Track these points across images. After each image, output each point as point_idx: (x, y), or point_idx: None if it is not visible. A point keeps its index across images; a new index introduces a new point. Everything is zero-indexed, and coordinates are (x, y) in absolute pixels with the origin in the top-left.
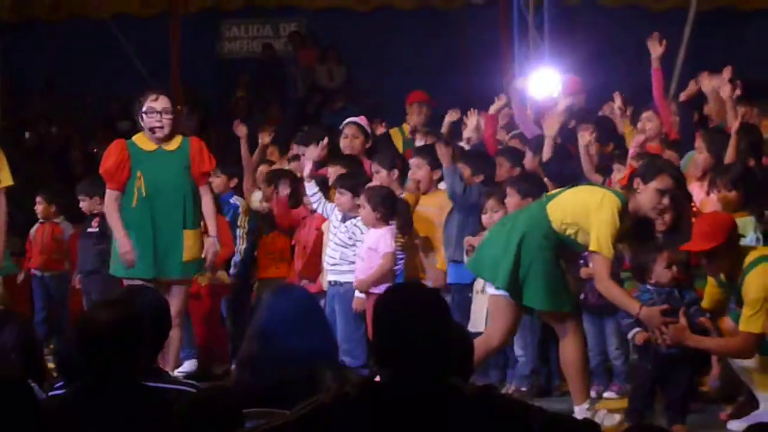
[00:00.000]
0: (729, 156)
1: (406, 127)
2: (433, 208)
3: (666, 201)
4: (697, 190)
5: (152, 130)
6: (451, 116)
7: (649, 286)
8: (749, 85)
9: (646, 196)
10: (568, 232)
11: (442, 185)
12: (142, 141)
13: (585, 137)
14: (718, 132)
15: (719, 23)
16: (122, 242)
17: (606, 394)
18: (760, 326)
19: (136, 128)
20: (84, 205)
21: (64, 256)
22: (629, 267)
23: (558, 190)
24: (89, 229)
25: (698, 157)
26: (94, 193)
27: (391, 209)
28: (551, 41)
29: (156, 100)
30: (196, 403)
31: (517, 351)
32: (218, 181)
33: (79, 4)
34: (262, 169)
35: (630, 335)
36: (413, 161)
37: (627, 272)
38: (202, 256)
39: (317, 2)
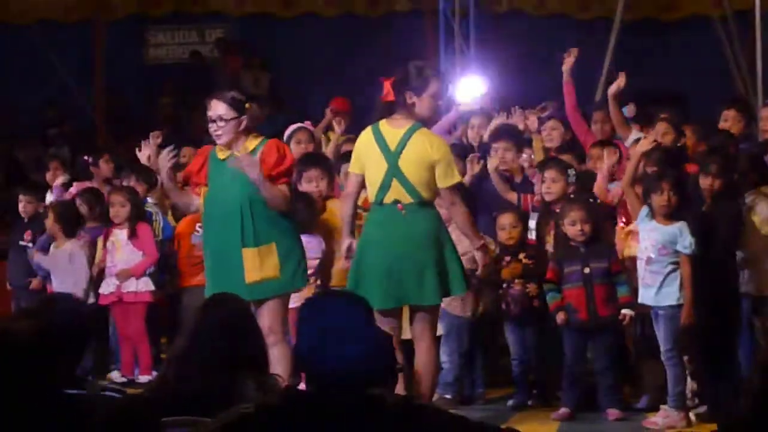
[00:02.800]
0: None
1: (332, 135)
2: None
3: (441, 102)
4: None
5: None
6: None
7: None
8: (671, 93)
9: (424, 105)
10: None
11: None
12: (220, 148)
13: (493, 161)
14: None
15: (643, 33)
16: None
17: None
18: None
19: (63, 136)
20: (28, 207)
21: None
22: (552, 278)
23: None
24: (21, 242)
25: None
26: (38, 197)
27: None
28: (477, 49)
29: (210, 107)
30: (114, 413)
31: (443, 357)
32: (139, 188)
33: (3, 11)
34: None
35: None
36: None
37: (550, 283)
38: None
39: (242, 9)
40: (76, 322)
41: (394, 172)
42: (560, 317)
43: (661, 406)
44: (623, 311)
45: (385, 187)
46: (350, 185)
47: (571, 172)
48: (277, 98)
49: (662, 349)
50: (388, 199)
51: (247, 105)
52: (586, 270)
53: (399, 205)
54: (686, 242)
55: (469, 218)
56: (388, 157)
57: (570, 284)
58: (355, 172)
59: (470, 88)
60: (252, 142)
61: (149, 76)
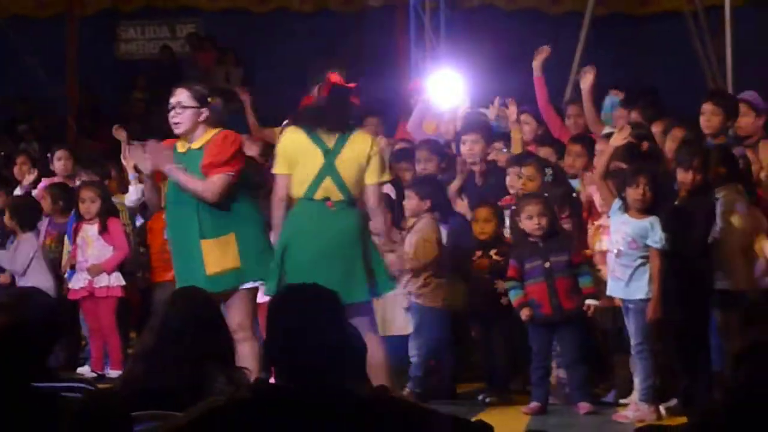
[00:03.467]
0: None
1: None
2: None
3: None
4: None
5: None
6: None
7: None
8: (642, 89)
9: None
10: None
11: None
12: (181, 141)
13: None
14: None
15: (614, 27)
16: None
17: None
18: None
19: (34, 131)
20: None
21: None
22: (513, 275)
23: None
24: None
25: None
26: (7, 192)
27: None
28: (448, 43)
29: (173, 94)
30: (84, 407)
31: (412, 352)
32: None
33: None
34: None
35: None
36: None
37: (512, 281)
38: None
39: (215, 4)
40: (47, 316)
41: (329, 170)
42: (525, 313)
43: (631, 400)
44: (587, 301)
45: (316, 183)
46: (281, 189)
47: (548, 170)
48: (249, 93)
49: (632, 342)
50: (318, 195)
51: (210, 99)
52: (547, 264)
53: (329, 201)
54: (656, 237)
55: (388, 220)
56: (326, 155)
57: (532, 279)
58: (285, 173)
59: (442, 82)
60: (208, 134)
61: (121, 71)
